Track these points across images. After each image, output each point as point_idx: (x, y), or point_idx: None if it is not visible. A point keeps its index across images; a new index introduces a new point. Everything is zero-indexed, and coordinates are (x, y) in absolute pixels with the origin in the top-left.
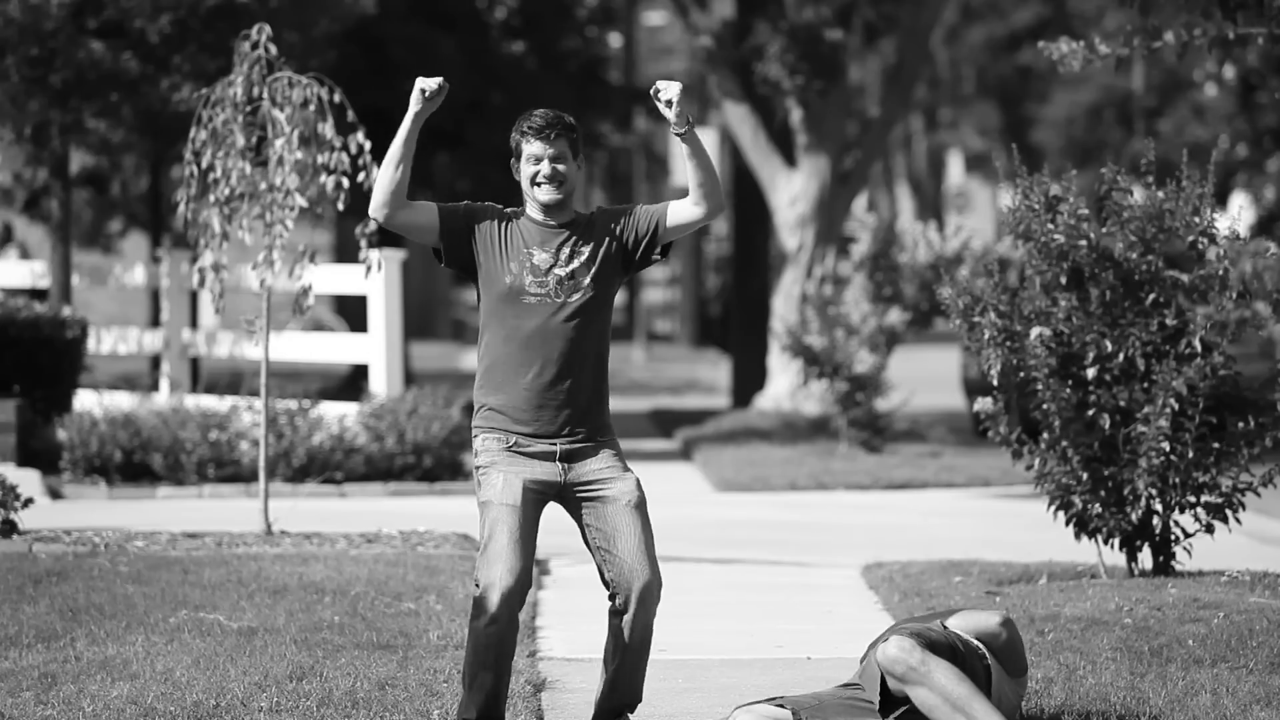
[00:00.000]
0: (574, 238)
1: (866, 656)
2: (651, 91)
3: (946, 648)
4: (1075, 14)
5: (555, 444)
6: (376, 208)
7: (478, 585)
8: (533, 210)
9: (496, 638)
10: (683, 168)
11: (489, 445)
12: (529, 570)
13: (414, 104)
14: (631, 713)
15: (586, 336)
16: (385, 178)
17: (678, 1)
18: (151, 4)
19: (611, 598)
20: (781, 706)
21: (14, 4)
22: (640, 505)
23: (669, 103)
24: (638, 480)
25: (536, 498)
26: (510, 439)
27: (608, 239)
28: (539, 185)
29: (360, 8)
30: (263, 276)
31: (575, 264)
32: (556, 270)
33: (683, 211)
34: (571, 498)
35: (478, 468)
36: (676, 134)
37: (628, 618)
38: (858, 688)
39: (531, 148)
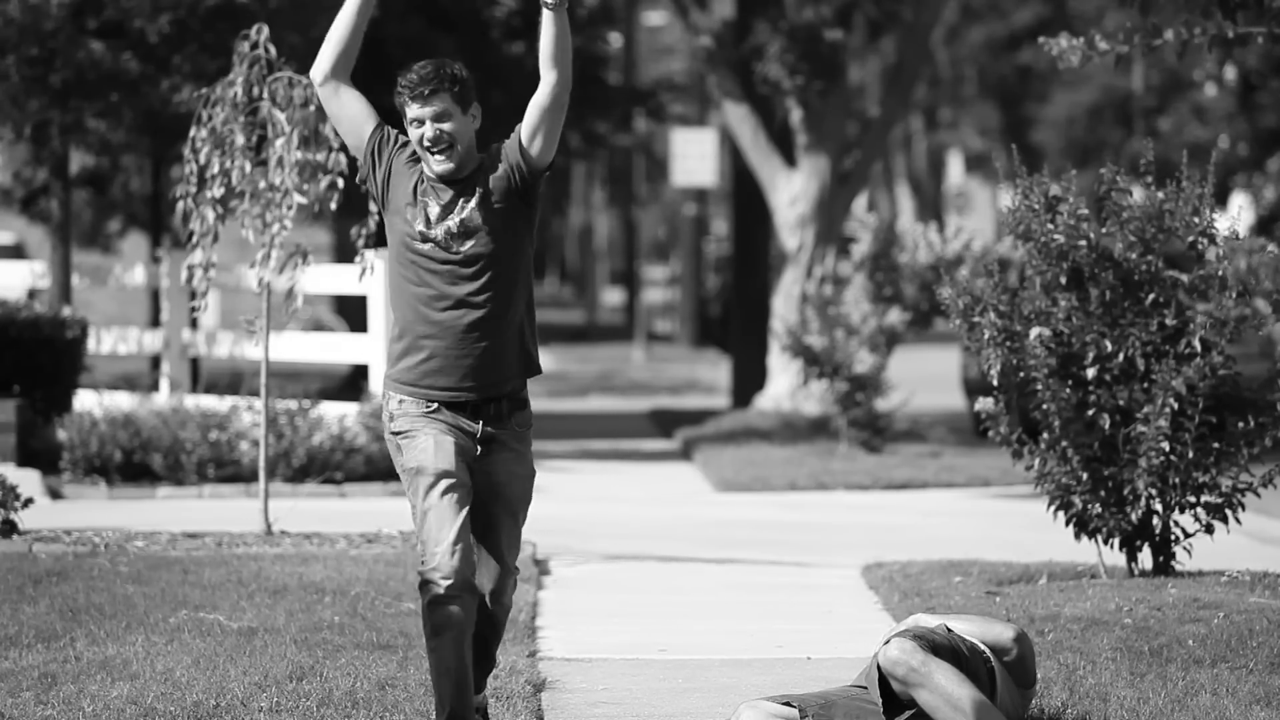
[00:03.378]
0: (464, 188)
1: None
2: None
3: (949, 651)
4: (1075, 14)
5: (477, 424)
6: (320, 69)
7: (424, 564)
8: (428, 169)
9: (459, 614)
10: (542, 45)
11: (407, 409)
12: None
13: None
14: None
15: (493, 289)
16: (335, 32)
17: (678, 1)
18: (151, 4)
19: None
20: (789, 705)
21: (14, 4)
22: (528, 500)
23: None
24: (533, 470)
25: (466, 459)
26: (431, 404)
27: (494, 179)
28: (428, 152)
29: None
30: (260, 275)
31: (466, 212)
32: (448, 221)
33: (536, 101)
34: (473, 474)
35: (395, 433)
36: (547, 5)
37: (487, 610)
38: (865, 689)
39: (411, 110)
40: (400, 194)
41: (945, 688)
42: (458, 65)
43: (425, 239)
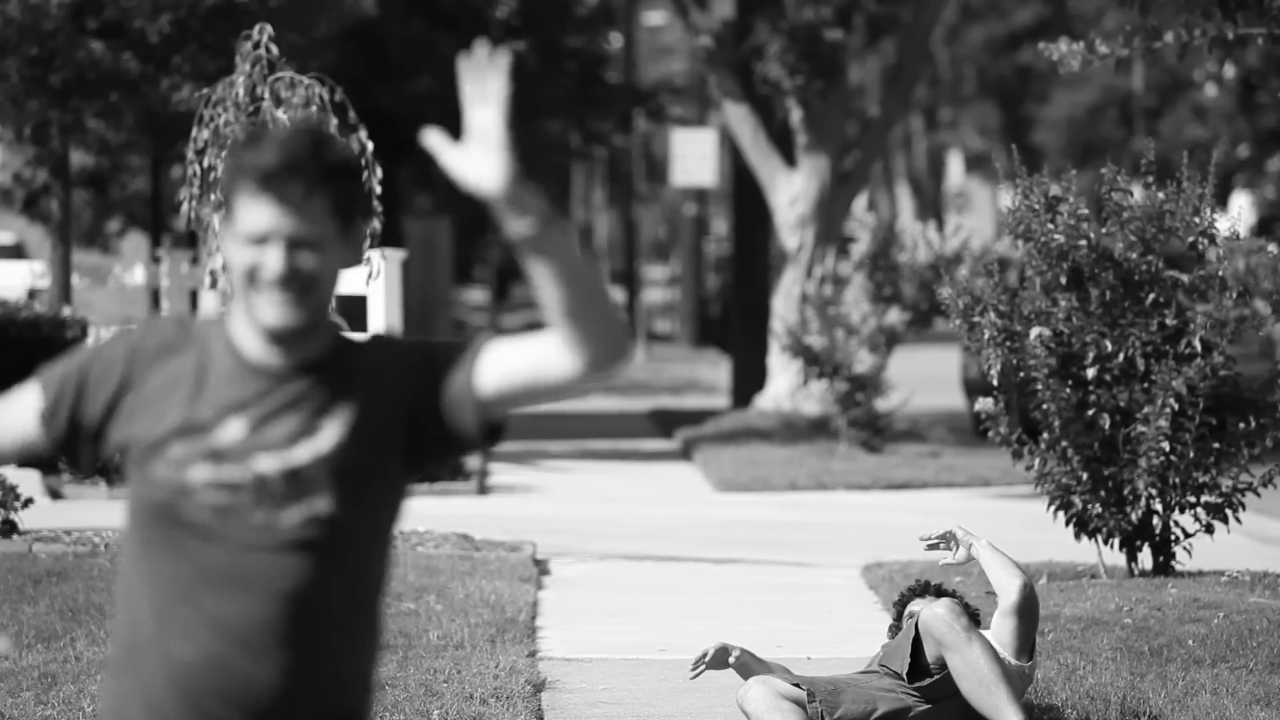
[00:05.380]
0: (314, 392)
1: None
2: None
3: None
4: (1075, 14)
5: None
6: None
7: None
8: (241, 332)
9: None
10: (544, 298)
11: None
12: None
13: None
14: None
15: (325, 593)
16: None
17: (678, 1)
18: (151, 4)
19: None
20: (797, 686)
21: (14, 4)
22: None
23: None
24: None
25: None
26: None
27: (377, 400)
28: (256, 288)
29: (360, 8)
30: None
31: (329, 445)
32: (274, 455)
33: (532, 360)
34: None
35: None
36: (517, 237)
37: None
38: (874, 673)
39: (250, 212)
40: (153, 416)
41: (979, 661)
42: (352, 143)
43: (217, 487)
